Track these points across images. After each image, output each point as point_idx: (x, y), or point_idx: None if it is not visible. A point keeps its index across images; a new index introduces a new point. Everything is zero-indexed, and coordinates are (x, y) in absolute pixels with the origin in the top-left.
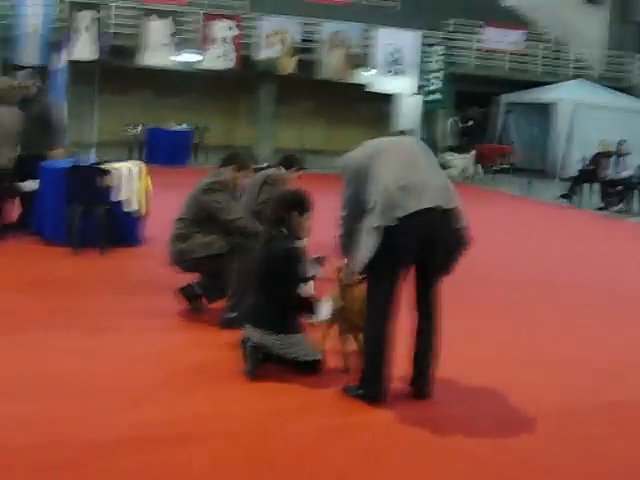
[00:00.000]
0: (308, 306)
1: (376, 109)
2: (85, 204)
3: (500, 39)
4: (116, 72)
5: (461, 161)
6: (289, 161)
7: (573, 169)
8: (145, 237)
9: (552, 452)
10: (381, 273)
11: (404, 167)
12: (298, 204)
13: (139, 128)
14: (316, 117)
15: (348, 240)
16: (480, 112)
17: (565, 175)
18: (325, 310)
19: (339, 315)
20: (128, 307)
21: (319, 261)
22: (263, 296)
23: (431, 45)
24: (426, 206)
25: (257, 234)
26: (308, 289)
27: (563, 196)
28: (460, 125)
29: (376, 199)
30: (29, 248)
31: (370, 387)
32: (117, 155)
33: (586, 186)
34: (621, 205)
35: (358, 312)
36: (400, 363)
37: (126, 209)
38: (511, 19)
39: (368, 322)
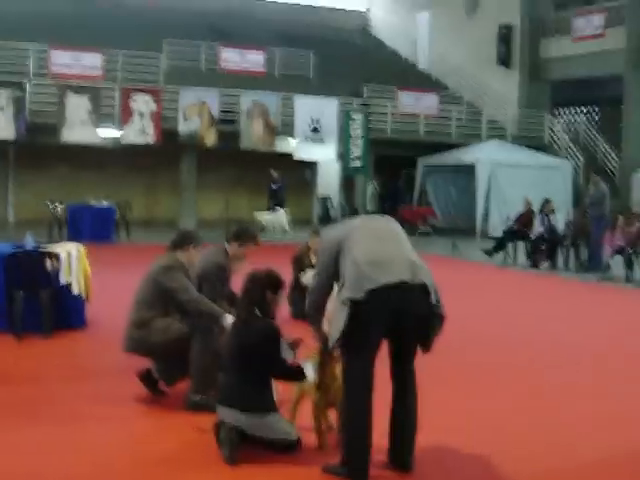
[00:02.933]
0: (299, 372)
1: (299, 176)
2: (29, 289)
3: (415, 103)
4: (34, 149)
5: (269, 218)
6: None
7: (495, 227)
8: (88, 319)
9: None
10: (355, 347)
11: (374, 243)
12: (272, 283)
13: (59, 205)
14: (239, 186)
15: (317, 310)
16: (403, 174)
17: (489, 233)
18: (310, 371)
19: (317, 390)
20: (85, 395)
21: (293, 345)
22: (240, 376)
23: (349, 111)
24: (394, 280)
25: (214, 315)
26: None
27: (486, 252)
28: (378, 189)
29: (346, 274)
30: None
31: (353, 465)
32: (37, 234)
33: (515, 244)
34: (548, 261)
35: (337, 389)
36: (378, 434)
37: (73, 291)
38: (424, 83)
39: (346, 398)
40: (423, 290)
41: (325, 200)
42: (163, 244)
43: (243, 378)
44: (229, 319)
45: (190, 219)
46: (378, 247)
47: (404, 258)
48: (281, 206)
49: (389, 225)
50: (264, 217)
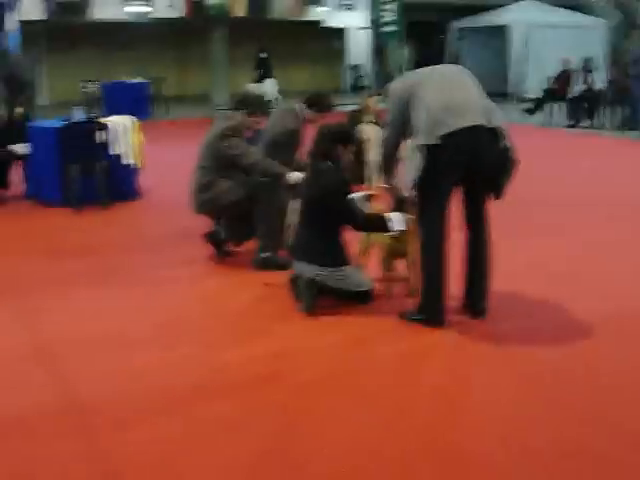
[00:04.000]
0: (382, 221)
1: (328, 45)
2: (84, 161)
3: None
4: (64, 29)
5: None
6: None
7: (533, 90)
8: (142, 189)
9: (616, 352)
10: (429, 193)
11: (447, 89)
12: (343, 137)
13: (95, 84)
14: (270, 58)
15: (389, 161)
16: (438, 38)
17: (525, 95)
18: (399, 221)
19: (388, 240)
20: (151, 261)
21: (367, 198)
22: (313, 231)
23: None
24: (469, 124)
25: (278, 173)
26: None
27: (527, 110)
28: (415, 55)
29: (420, 120)
30: (31, 213)
31: (431, 310)
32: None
33: (553, 105)
34: (589, 121)
35: (408, 239)
36: (453, 282)
37: (124, 162)
38: None
39: (422, 244)
40: (497, 134)
41: (355, 68)
42: (198, 119)
43: (315, 232)
44: (294, 176)
45: (222, 94)
46: (451, 92)
47: (478, 102)
48: (269, 75)
49: (459, 72)
50: (254, 87)
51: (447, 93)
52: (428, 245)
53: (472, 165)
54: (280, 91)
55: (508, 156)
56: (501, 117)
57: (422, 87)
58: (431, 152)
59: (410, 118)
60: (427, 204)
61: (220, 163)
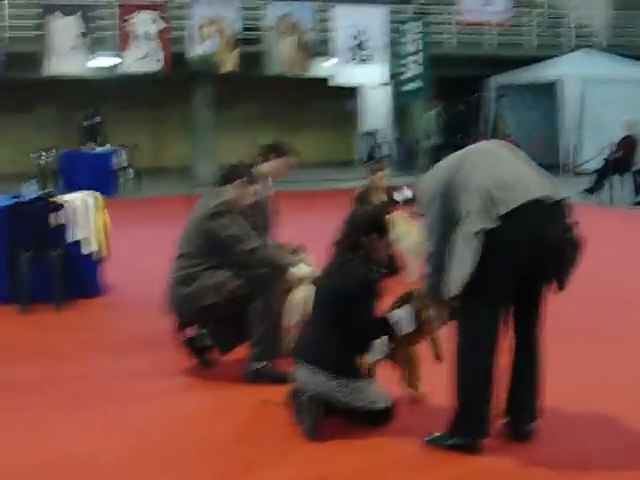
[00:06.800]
0: (388, 327)
1: (339, 107)
2: (35, 249)
3: (481, 9)
4: (14, 86)
5: None
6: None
7: (591, 159)
8: (106, 284)
9: None
10: (484, 292)
11: (495, 165)
12: (379, 225)
13: (50, 154)
14: (266, 123)
15: (439, 277)
16: (474, 98)
17: (582, 167)
18: (407, 320)
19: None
20: (116, 371)
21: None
22: (326, 333)
23: (403, 22)
24: (534, 197)
25: (280, 266)
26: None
27: (588, 190)
28: (444, 118)
29: (469, 205)
30: None
31: (466, 433)
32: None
33: (616, 178)
34: None
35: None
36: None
37: (85, 251)
38: None
39: (464, 354)
40: (563, 208)
41: (371, 135)
42: (177, 196)
43: (327, 334)
44: (302, 270)
45: (207, 166)
46: (501, 167)
47: (534, 173)
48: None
49: (506, 147)
50: None
51: (496, 168)
52: (473, 357)
53: (536, 250)
54: None
55: (574, 236)
56: (562, 191)
57: (462, 171)
58: (487, 239)
59: (455, 212)
60: (479, 307)
61: (206, 249)
